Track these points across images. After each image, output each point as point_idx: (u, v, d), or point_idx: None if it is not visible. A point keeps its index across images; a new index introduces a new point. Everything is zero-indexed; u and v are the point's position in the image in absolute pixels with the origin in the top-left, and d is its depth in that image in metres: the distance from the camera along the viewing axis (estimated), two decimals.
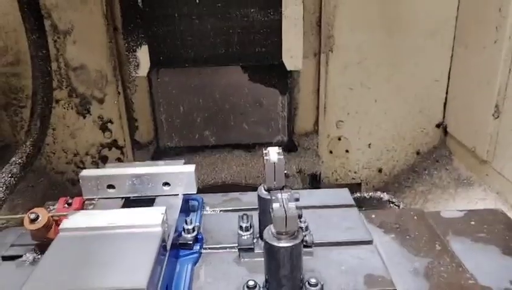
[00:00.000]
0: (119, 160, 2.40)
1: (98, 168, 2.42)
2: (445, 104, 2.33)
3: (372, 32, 2.20)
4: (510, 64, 1.82)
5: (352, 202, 1.41)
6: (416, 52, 2.23)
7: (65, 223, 1.05)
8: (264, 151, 1.15)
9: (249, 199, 1.47)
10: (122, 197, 1.27)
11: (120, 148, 2.40)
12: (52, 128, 2.29)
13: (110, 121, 2.34)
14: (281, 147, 1.17)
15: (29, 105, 2.23)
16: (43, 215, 1.15)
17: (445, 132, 2.36)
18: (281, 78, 2.22)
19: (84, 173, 1.25)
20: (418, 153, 2.42)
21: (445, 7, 2.16)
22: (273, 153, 1.12)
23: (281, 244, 0.96)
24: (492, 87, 1.89)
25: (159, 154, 2.34)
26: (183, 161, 1.36)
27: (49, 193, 2.31)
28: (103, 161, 2.42)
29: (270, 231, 0.98)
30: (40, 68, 1.86)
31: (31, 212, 1.15)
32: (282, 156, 1.11)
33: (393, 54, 2.24)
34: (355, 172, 2.47)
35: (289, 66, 2.04)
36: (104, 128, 2.35)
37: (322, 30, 2.21)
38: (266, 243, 0.97)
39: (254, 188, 1.23)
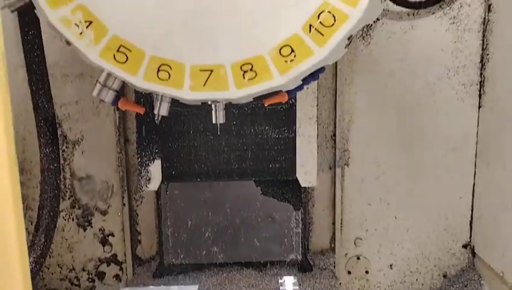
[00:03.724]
0: (117, 277, 2.66)
1: (94, 285, 2.67)
2: (471, 222, 2.63)
3: (389, 147, 2.58)
4: None
5: None
6: (437, 167, 2.59)
7: None
8: (280, 281, 1.43)
9: None
10: None
11: (119, 264, 2.67)
12: None
13: (112, 234, 2.64)
14: (296, 277, 1.45)
15: (27, 217, 2.56)
16: None
17: (473, 253, 2.62)
18: (294, 193, 2.55)
19: None
20: (445, 276, 2.66)
21: (464, 122, 2.55)
22: (289, 284, 1.40)
23: None
24: None
25: (162, 271, 2.60)
26: (197, 286, 1.64)
27: None
28: (100, 277, 2.68)
29: None
30: (50, 182, 2.20)
31: None
32: (297, 287, 1.39)
33: (413, 168, 2.59)
34: None
35: (303, 183, 2.39)
36: (104, 241, 2.65)
37: (337, 144, 2.59)
38: None
39: None
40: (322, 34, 1.28)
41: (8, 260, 0.90)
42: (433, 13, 2.50)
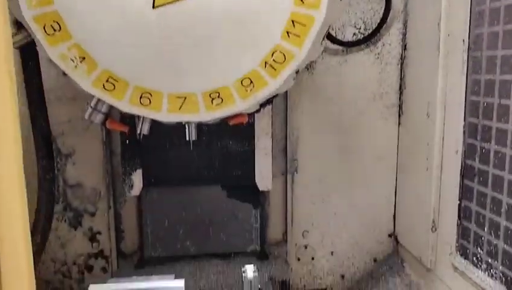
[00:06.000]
0: (104, 270, 2.61)
1: (83, 277, 2.61)
2: (394, 217, 2.73)
3: (330, 157, 2.66)
4: (439, 187, 2.27)
5: None
6: (367, 173, 2.68)
7: None
8: (242, 269, 1.46)
9: None
10: None
11: (105, 258, 2.61)
12: None
13: (99, 233, 2.59)
14: (255, 265, 1.48)
15: None
16: None
17: (397, 242, 2.72)
18: (254, 195, 2.60)
19: (93, 288, 1.50)
20: (375, 260, 2.76)
21: (388, 137, 2.67)
22: (250, 271, 1.43)
23: None
24: (428, 206, 2.31)
25: (142, 263, 2.57)
26: (173, 275, 1.64)
27: None
28: (89, 270, 2.61)
29: None
30: (46, 189, 2.16)
31: None
32: (257, 274, 1.42)
33: (348, 175, 2.68)
34: (320, 278, 2.75)
35: (261, 187, 2.44)
36: (92, 239, 2.59)
37: (288, 155, 2.65)
38: None
39: None
40: (275, 69, 1.33)
41: (16, 252, 0.90)
42: (362, 50, 2.61)
